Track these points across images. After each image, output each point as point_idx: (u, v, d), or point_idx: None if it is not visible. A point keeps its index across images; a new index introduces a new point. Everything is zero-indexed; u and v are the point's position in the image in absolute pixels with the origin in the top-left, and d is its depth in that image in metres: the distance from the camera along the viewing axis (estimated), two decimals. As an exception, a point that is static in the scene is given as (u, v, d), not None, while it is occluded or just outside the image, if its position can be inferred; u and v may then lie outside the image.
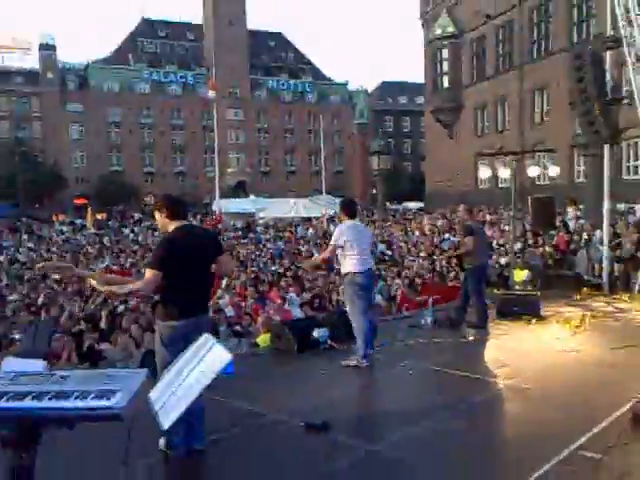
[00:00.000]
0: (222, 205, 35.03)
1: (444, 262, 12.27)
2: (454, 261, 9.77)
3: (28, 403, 2.13)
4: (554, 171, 10.58)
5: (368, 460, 3.69)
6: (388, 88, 71.05)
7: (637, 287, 9.78)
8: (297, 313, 9.30)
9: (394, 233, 23.49)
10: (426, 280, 11.81)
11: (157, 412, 2.14)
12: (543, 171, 11.01)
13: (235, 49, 58.71)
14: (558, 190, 23.00)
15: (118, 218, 41.80)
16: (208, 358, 2.16)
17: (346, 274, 5.92)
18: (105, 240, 24.45)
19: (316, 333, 6.55)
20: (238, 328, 8.41)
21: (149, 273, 3.57)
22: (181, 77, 60.09)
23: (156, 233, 25.24)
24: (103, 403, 2.10)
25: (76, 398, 2.17)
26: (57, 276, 4.41)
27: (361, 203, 41.03)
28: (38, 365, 2.43)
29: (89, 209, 34.75)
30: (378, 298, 10.76)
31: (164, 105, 58.23)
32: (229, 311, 8.73)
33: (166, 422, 2.07)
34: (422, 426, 4.21)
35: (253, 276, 12.60)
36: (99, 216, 41.08)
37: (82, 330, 7.64)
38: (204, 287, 3.75)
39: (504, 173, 10.54)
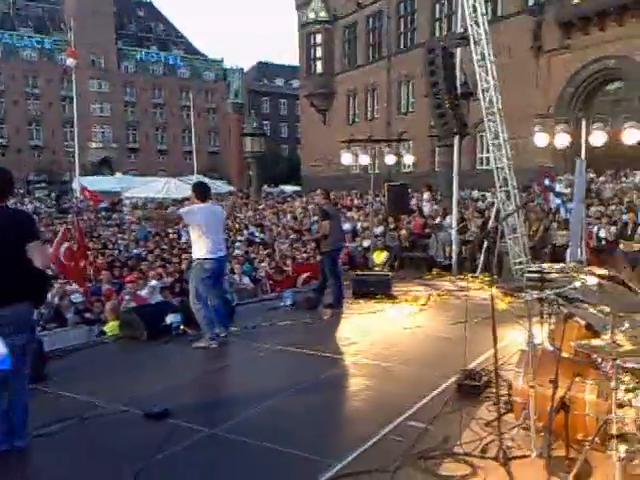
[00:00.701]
0: (84, 183, 32.78)
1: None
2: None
3: None
4: (409, 160, 11.21)
5: (206, 443, 3.68)
6: (264, 69, 70.54)
7: (479, 268, 10.69)
8: (158, 298, 8.98)
9: (267, 216, 23.59)
10: (297, 261, 12.03)
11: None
12: (399, 159, 11.59)
13: (99, 15, 54.60)
14: (419, 178, 24.49)
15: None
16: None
17: (197, 259, 5.85)
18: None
19: (169, 319, 6.38)
20: (89, 315, 7.97)
21: None
22: (37, 42, 54.84)
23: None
24: None
25: None
26: None
27: (236, 185, 40.61)
28: None
29: None
30: (245, 280, 10.78)
31: (17, 71, 52.85)
32: (77, 297, 8.21)
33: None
34: (264, 406, 4.28)
35: (110, 259, 11.97)
36: None
37: None
38: (10, 274, 3.34)
39: (364, 160, 10.95)
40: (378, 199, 17.04)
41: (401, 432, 3.75)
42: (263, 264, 12.56)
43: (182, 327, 6.30)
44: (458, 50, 10.39)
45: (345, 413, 4.23)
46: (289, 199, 32.08)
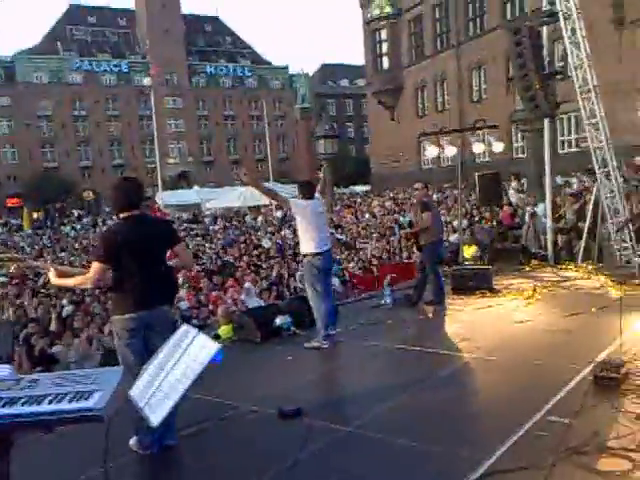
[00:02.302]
0: (165, 197, 34.20)
1: (397, 242, 12.44)
2: (409, 240, 9.80)
3: (1, 411, 2.00)
4: (498, 147, 10.81)
5: (346, 440, 3.70)
6: (328, 71, 70.89)
7: (580, 256, 10.19)
8: (254, 302, 9.21)
9: (345, 217, 23.66)
10: (382, 260, 11.95)
11: (142, 409, 2.05)
12: (487, 147, 11.22)
13: (170, 34, 57.04)
14: (499, 166, 23.75)
15: (56, 216, 40.30)
16: (192, 349, 2.09)
17: (305, 255, 5.94)
18: (44, 239, 23.52)
19: (279, 320, 6.51)
20: (195, 322, 8.27)
21: (93, 266, 3.52)
22: (115, 66, 57.85)
23: (98, 229, 24.44)
24: (82, 405, 2.00)
25: (50, 402, 2.07)
26: (12, 269, 4.31)
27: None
28: (4, 370, 2.29)
29: (25, 209, 33.31)
30: (335, 282, 10.84)
31: (98, 95, 55.97)
32: (182, 305, 8.54)
33: (154, 419, 2.00)
34: (391, 404, 4.26)
35: (203, 268, 12.40)
36: (35, 215, 39.51)
37: (31, 333, 7.32)
38: (157, 278, 3.58)
39: (450, 151, 10.69)
40: (457, 192, 16.63)
41: (543, 427, 3.61)
42: (351, 264, 12.61)
43: (292, 328, 6.40)
44: (544, 28, 9.98)
45: (478, 409, 4.12)
46: (359, 199, 32.06)
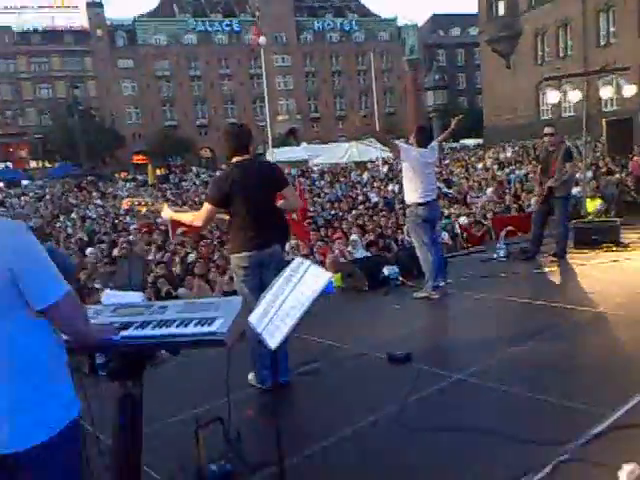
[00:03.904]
0: (275, 154, 34.96)
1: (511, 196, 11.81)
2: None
3: (134, 332, 2.16)
4: (631, 90, 9.76)
5: (456, 387, 3.65)
6: (439, 21, 67.71)
7: None
8: (361, 254, 9.23)
9: (454, 171, 22.91)
10: (496, 214, 11.46)
11: (261, 334, 2.13)
12: (616, 93, 10.21)
13: (279, -8, 57.19)
14: (629, 114, 21.64)
15: (177, 172, 42.79)
16: (306, 279, 2.13)
17: (409, 206, 5.82)
18: (168, 194, 25.09)
19: (386, 271, 6.48)
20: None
21: (204, 206, 3.73)
22: (227, 25, 59.34)
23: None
24: (207, 329, 2.11)
25: (178, 326, 2.20)
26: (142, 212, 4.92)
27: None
28: (137, 297, 2.46)
29: (149, 166, 35.66)
30: (444, 235, 10.57)
31: (211, 55, 57.88)
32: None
33: (272, 343, 2.07)
34: (504, 354, 4.12)
35: (309, 221, 12.58)
36: (158, 171, 42.21)
37: (157, 276, 7.88)
38: (269, 219, 3.71)
39: (575, 96, 9.86)
40: (580, 141, 15.41)
41: (678, 386, 3.32)
42: (461, 218, 12.22)
43: (400, 278, 6.36)
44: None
45: (602, 363, 3.85)
46: (470, 153, 30.74)
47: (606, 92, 10.20)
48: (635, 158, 12.65)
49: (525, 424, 3.12)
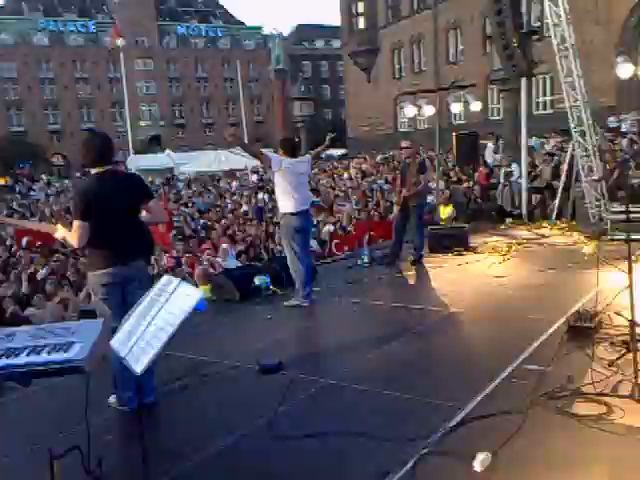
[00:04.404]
0: (137, 161, 33.47)
1: (374, 204, 12.42)
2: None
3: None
4: (476, 106, 10.79)
5: (327, 392, 3.74)
6: (304, 32, 69.30)
7: (554, 214, 10.34)
8: (232, 264, 9.15)
9: (321, 180, 23.51)
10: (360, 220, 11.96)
11: (125, 359, 2.02)
12: (465, 107, 11.20)
13: (139, -6, 54.96)
14: (474, 128, 23.78)
15: (24, 181, 39.31)
16: (175, 298, 2.06)
17: (283, 215, 5.89)
18: (14, 205, 22.96)
19: (257, 280, 6.49)
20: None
21: (74, 226, 3.47)
22: (82, 26, 55.73)
23: (69, 194, 23.96)
24: (64, 356, 1.96)
25: (28, 354, 2.02)
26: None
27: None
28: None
29: (-10, 174, 32.36)
30: (313, 243, 10.82)
31: (65, 57, 54.00)
32: (161, 266, 8.45)
33: (138, 367, 1.97)
34: (370, 356, 4.33)
35: (175, 232, 12.24)
36: (2, 180, 38.45)
37: (1, 297, 7.17)
38: (131, 233, 3.55)
39: (428, 111, 10.66)
40: (434, 152, 16.63)
41: (520, 375, 3.70)
42: (328, 226, 12.59)
43: (272, 287, 6.40)
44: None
45: (455, 360, 4.18)
46: (335, 162, 31.81)
47: (456, 107, 11.11)
48: (480, 169, 13.92)
49: (391, 422, 3.28)
